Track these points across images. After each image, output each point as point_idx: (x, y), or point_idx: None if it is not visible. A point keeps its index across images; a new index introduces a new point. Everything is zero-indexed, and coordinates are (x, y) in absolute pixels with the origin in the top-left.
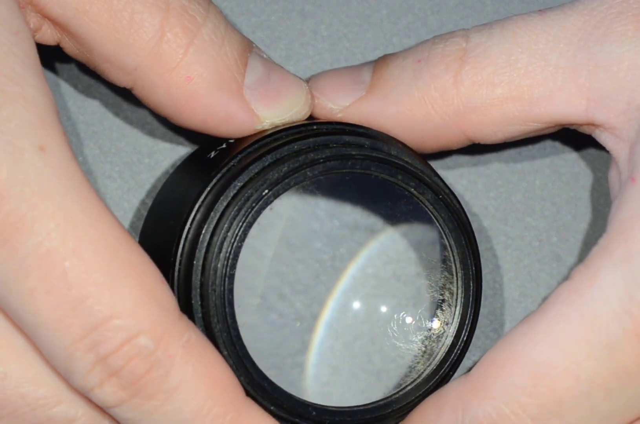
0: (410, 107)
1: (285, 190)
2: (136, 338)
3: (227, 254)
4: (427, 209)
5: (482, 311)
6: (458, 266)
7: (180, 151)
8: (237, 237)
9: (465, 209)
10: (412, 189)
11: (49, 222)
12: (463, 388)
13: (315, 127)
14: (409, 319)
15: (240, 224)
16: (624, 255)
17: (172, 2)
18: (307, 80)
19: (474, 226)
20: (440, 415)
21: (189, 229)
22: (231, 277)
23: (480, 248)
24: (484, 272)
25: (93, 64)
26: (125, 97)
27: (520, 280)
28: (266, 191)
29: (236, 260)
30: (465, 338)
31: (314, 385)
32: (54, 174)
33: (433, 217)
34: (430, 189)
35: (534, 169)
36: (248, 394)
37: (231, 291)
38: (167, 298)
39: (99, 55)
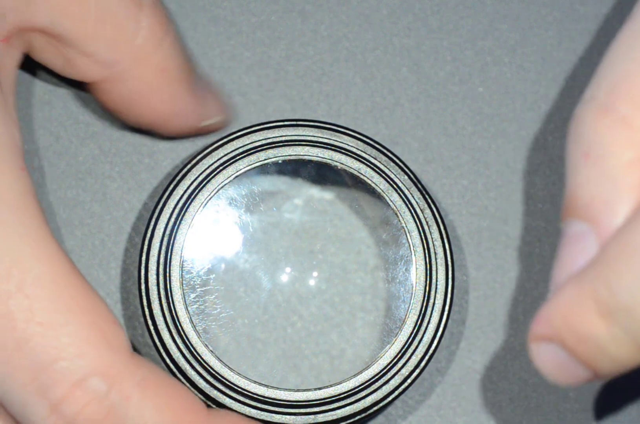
0: None
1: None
2: (87, 381)
3: (176, 222)
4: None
5: (482, 311)
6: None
7: (180, 151)
8: (186, 208)
9: (465, 209)
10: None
11: None
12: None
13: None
14: (362, 309)
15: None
16: None
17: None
18: None
19: (474, 226)
20: None
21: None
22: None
23: (480, 248)
24: (484, 272)
25: (64, 60)
26: None
27: (520, 280)
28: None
29: (179, 221)
30: (422, 331)
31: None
32: (3, 208)
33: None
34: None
35: (533, 169)
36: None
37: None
38: (117, 337)
39: (79, 51)
